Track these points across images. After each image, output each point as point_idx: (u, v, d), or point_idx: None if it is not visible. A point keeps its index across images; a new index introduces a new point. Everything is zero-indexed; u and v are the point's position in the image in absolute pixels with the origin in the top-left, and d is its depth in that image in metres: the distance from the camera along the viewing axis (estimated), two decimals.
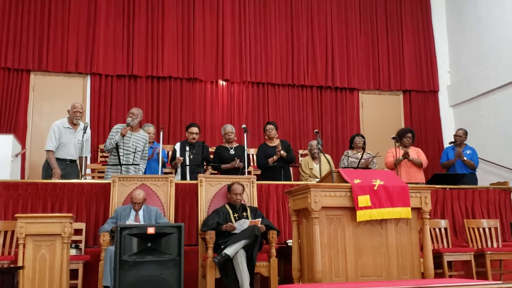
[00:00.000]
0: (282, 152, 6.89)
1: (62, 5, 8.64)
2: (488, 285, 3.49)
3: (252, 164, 8.09)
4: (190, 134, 6.97)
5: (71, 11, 8.65)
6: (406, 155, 7.07)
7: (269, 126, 7.28)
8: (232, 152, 6.96)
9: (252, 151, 8.45)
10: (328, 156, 7.41)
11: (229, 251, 4.87)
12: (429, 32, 10.14)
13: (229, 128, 7.16)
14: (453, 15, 10.07)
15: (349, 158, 7.19)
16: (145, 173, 6.55)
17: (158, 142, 6.93)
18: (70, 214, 4.53)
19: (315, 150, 7.07)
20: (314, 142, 7.18)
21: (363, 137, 7.44)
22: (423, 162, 7.32)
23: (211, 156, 7.24)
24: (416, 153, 7.43)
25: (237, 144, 7.14)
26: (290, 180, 7.14)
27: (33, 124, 8.40)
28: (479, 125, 8.88)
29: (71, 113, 6.35)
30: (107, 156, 6.65)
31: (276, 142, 7.17)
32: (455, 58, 9.98)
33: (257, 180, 6.16)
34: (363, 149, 7.27)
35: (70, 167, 6.32)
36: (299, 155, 8.39)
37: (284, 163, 7.01)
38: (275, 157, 6.94)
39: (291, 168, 7.48)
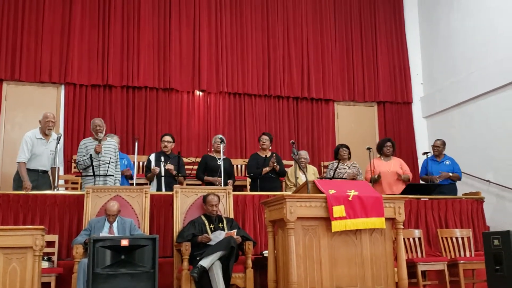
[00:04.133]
0: (276, 165, 6.97)
1: (36, 14, 8.53)
2: None
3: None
4: (162, 142, 6.93)
5: (45, 20, 8.54)
6: (378, 178, 7.14)
7: (264, 137, 7.36)
8: (219, 162, 6.92)
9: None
10: (314, 168, 7.48)
11: (205, 262, 4.84)
12: (402, 45, 10.31)
13: (220, 137, 7.16)
14: (426, 28, 10.26)
15: (336, 169, 7.20)
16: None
17: (131, 153, 6.85)
18: (42, 226, 4.44)
19: (303, 159, 7.11)
20: (303, 152, 7.26)
21: (347, 148, 7.47)
22: (410, 177, 7.43)
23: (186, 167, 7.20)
24: (399, 165, 7.49)
25: (225, 156, 7.08)
26: (281, 190, 7.18)
27: (5, 134, 8.24)
28: (451, 136, 9.01)
29: (43, 123, 6.25)
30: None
31: (268, 153, 7.24)
32: (428, 70, 10.15)
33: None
34: (349, 159, 7.34)
35: (42, 178, 6.20)
36: None
37: (277, 176, 7.12)
38: (267, 168, 6.98)
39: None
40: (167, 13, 9.15)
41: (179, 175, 6.67)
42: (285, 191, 7.05)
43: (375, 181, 7.13)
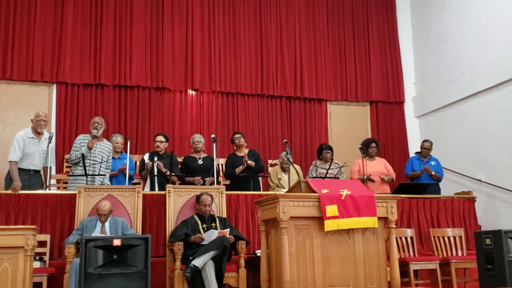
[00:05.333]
0: (249, 162, 6.89)
1: (27, 13, 8.47)
2: None
3: (221, 174, 8.06)
4: (155, 142, 6.92)
5: (37, 18, 8.48)
6: (369, 179, 7.16)
7: (237, 135, 7.30)
8: (200, 162, 6.92)
9: (222, 161, 8.44)
10: (298, 167, 7.45)
11: (197, 262, 4.84)
12: (395, 45, 10.34)
13: (197, 137, 7.12)
14: (418, 29, 10.30)
15: (318, 169, 7.23)
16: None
17: (126, 152, 6.84)
18: (34, 226, 4.41)
19: (286, 165, 7.08)
20: (284, 154, 7.23)
21: (330, 149, 7.46)
22: (394, 177, 7.46)
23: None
24: (383, 165, 7.54)
25: (205, 155, 7.08)
26: (259, 190, 7.14)
27: None
28: (443, 136, 9.07)
29: (35, 122, 6.22)
30: (71, 166, 6.53)
31: (245, 151, 7.18)
32: (420, 70, 10.19)
33: (226, 190, 6.14)
34: (331, 160, 7.32)
35: (34, 177, 6.17)
36: (268, 165, 8.40)
37: (253, 173, 7.01)
38: (241, 167, 6.93)
39: (260, 178, 7.49)
40: (159, 12, 9.12)
41: (172, 174, 6.65)
42: (268, 191, 7.03)
43: (364, 182, 7.12)
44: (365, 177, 7.10)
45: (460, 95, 8.87)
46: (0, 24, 8.33)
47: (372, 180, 7.17)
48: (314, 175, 7.18)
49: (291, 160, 6.76)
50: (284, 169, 7.15)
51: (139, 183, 6.95)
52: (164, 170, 6.61)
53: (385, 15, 10.39)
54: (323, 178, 7.00)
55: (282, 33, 9.71)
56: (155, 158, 6.76)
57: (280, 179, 7.09)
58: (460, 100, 8.91)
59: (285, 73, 9.58)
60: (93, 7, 8.80)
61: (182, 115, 9.01)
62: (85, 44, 8.65)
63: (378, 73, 10.10)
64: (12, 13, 8.41)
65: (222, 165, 8.34)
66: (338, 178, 7.13)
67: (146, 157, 6.90)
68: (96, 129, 6.30)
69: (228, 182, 7.37)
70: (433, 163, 7.74)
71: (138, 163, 7.38)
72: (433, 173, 7.57)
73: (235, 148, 7.33)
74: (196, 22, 9.24)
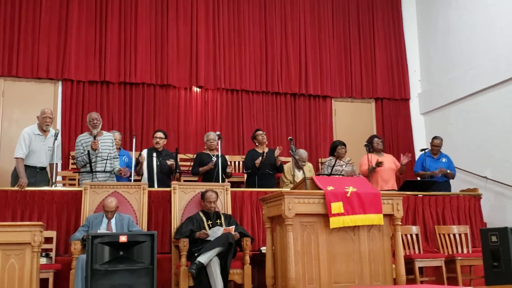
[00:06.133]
0: (278, 159, 7.06)
1: (33, 10, 8.49)
2: None
3: (233, 171, 8.08)
4: (154, 139, 6.92)
5: (42, 16, 8.50)
6: (379, 164, 7.12)
7: (260, 132, 7.41)
8: (214, 159, 6.91)
9: (227, 158, 8.44)
10: (310, 165, 7.49)
11: (203, 259, 4.85)
12: (400, 41, 10.31)
13: (212, 135, 7.11)
14: (424, 25, 10.26)
15: (334, 167, 7.19)
16: None
17: (128, 149, 6.84)
18: (40, 223, 4.43)
19: (303, 163, 7.11)
20: (302, 152, 7.25)
21: (345, 145, 7.45)
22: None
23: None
24: (392, 160, 7.53)
25: (218, 153, 7.06)
26: (277, 187, 7.17)
27: (2, 130, 8.22)
28: (449, 133, 9.03)
29: (40, 119, 6.23)
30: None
31: (265, 149, 7.26)
32: (426, 66, 10.16)
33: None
34: (340, 157, 7.33)
35: (40, 174, 6.19)
36: None
37: (274, 171, 7.11)
38: (261, 158, 6.96)
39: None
40: (164, 9, 9.12)
41: (177, 171, 6.66)
42: (282, 188, 7.05)
43: (372, 170, 7.09)
44: (374, 165, 7.04)
45: (466, 91, 8.84)
46: (6, 22, 8.35)
47: (380, 165, 7.09)
48: (331, 172, 7.17)
49: (296, 157, 6.77)
50: (299, 166, 7.15)
51: (139, 180, 6.96)
52: (173, 166, 6.60)
53: (390, 11, 10.35)
54: (339, 175, 7.01)
55: (287, 30, 9.69)
56: (154, 155, 6.75)
57: (294, 175, 7.10)
58: (466, 97, 8.88)
59: (290, 70, 9.57)
60: (98, 4, 8.81)
61: (187, 112, 9.02)
62: (90, 41, 8.67)
63: (383, 69, 10.07)
64: (18, 11, 8.42)
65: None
66: (354, 174, 7.10)
67: (144, 153, 6.88)
68: (96, 125, 6.30)
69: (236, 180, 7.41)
70: (443, 160, 7.71)
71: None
72: (448, 171, 7.57)
73: (256, 144, 7.38)
74: (200, 19, 9.23)
